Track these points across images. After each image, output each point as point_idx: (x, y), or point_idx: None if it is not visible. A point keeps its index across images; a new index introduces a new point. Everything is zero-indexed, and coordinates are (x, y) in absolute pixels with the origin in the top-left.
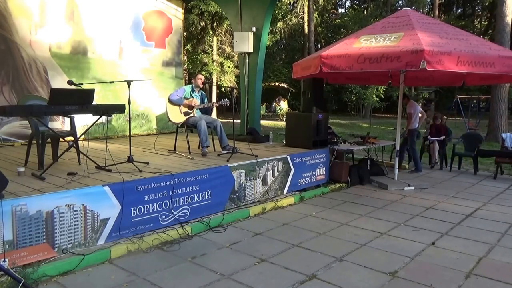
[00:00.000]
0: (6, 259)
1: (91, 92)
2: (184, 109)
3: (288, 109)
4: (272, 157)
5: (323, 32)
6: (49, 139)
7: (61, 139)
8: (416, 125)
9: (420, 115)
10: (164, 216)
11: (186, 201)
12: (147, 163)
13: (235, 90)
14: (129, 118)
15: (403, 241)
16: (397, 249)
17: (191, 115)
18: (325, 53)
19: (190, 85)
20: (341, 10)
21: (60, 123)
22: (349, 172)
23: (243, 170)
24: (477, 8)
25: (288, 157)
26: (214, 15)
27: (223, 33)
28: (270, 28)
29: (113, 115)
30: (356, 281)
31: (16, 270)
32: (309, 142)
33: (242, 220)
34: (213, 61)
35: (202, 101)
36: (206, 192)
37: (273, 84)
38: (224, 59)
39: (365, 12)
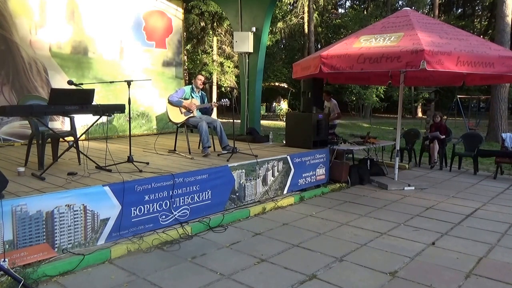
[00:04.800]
0: (6, 259)
1: (91, 92)
2: (184, 109)
3: (288, 109)
4: (272, 157)
5: (323, 32)
6: (49, 139)
7: (61, 139)
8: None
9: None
10: (164, 216)
11: (186, 201)
12: (147, 163)
13: (235, 90)
14: (129, 118)
15: (403, 241)
16: (397, 249)
17: (192, 115)
18: (325, 53)
19: (190, 86)
20: (341, 10)
21: (60, 123)
22: (349, 172)
23: (243, 170)
24: (477, 8)
25: (288, 157)
26: (214, 15)
27: (223, 33)
28: (270, 28)
29: (113, 115)
30: (356, 281)
31: (16, 270)
32: (309, 142)
33: (242, 220)
34: (213, 61)
35: (202, 101)
36: (206, 192)
37: (273, 84)
38: (224, 59)
39: (365, 12)
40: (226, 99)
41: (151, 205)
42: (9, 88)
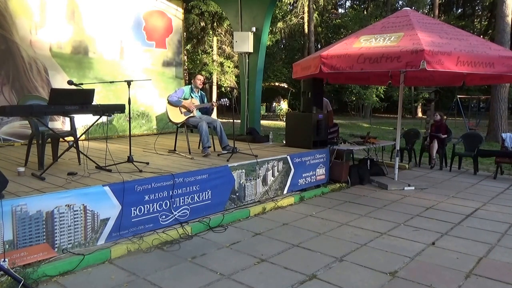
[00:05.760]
0: (6, 259)
1: (91, 92)
2: (184, 109)
3: (288, 109)
4: (272, 157)
5: (323, 32)
6: (49, 139)
7: (61, 139)
8: None
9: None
10: (164, 216)
11: (186, 201)
12: (147, 163)
13: (235, 90)
14: (129, 118)
15: (403, 241)
16: (397, 249)
17: (191, 115)
18: (325, 53)
19: (190, 86)
20: (341, 10)
21: (60, 123)
22: (349, 172)
23: (243, 170)
24: (477, 8)
25: (288, 157)
26: (214, 15)
27: (223, 33)
28: (270, 28)
29: (113, 115)
30: (356, 281)
31: (16, 270)
32: (309, 142)
33: (242, 220)
34: (213, 61)
35: (202, 101)
36: (206, 192)
37: (273, 84)
38: (224, 59)
39: (365, 12)
40: (226, 99)
41: (151, 205)
42: (9, 88)
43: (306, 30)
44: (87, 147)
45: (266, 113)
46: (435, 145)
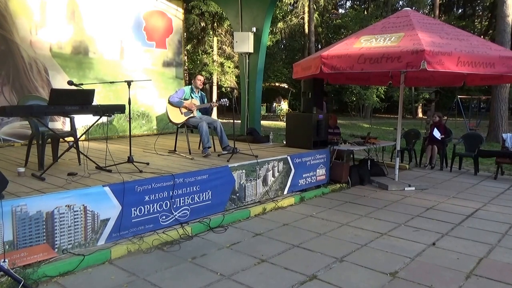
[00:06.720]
0: (6, 260)
1: (91, 93)
2: (185, 110)
3: (289, 110)
4: (273, 158)
5: (323, 32)
6: (49, 140)
7: (61, 139)
8: None
9: None
10: (164, 217)
11: (187, 201)
12: (147, 164)
13: (235, 91)
14: (129, 118)
15: (403, 242)
16: (397, 249)
17: (192, 115)
18: (325, 54)
19: (190, 86)
20: (341, 10)
21: (61, 124)
22: (350, 173)
23: (244, 171)
24: (477, 8)
25: (289, 157)
26: (215, 15)
27: (224, 33)
28: (271, 28)
29: (113, 115)
30: (357, 282)
31: (16, 270)
32: (309, 142)
33: (242, 221)
34: (213, 61)
35: (202, 102)
36: (207, 193)
37: (273, 84)
38: (225, 59)
39: (366, 12)
40: (226, 99)
41: (151, 205)
42: (10, 88)
43: (306, 30)
44: (87, 147)
45: (266, 114)
46: (429, 153)
